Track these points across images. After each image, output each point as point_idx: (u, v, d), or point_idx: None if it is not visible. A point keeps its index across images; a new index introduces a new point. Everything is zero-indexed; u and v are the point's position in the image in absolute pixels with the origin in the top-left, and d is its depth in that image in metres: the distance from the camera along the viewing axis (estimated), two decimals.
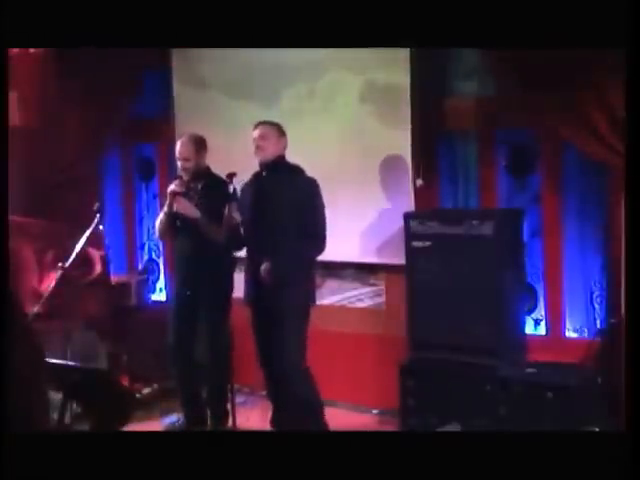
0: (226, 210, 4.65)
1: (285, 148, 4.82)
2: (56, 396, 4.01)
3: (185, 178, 5.06)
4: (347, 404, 5.43)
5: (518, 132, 5.10)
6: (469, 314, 4.75)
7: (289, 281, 4.65)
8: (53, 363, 4.15)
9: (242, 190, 4.86)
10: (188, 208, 4.95)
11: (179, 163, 5.08)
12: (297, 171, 4.79)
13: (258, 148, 4.76)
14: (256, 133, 4.78)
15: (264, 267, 4.62)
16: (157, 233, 5.33)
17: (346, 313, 5.47)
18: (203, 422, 5.19)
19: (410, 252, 4.98)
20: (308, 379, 4.75)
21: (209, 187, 5.04)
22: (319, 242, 4.70)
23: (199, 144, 5.09)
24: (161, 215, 5.14)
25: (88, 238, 5.21)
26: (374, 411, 5.50)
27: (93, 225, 5.21)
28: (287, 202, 4.66)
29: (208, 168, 5.13)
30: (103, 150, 6.71)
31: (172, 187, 4.99)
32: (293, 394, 4.75)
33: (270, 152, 4.74)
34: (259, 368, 4.94)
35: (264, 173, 4.79)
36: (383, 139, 5.33)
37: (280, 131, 4.81)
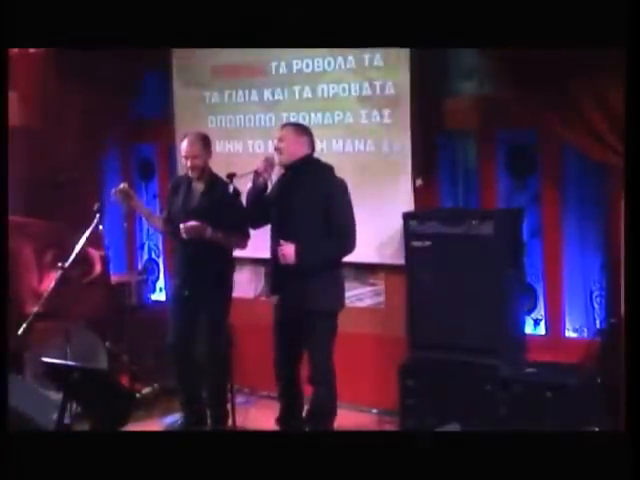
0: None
1: (309, 146, 4.72)
2: (56, 396, 4.02)
3: (193, 176, 5.05)
4: (347, 404, 5.42)
5: (518, 132, 5.11)
6: (469, 314, 4.76)
7: (319, 284, 4.59)
8: (53, 363, 4.16)
9: (271, 190, 4.78)
10: (197, 230, 4.92)
11: (187, 162, 5.02)
12: (324, 170, 4.72)
13: (276, 151, 4.71)
14: (276, 136, 4.76)
15: (287, 246, 4.52)
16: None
17: (346, 313, 5.44)
18: (203, 422, 5.19)
19: (410, 252, 4.98)
20: (334, 386, 4.75)
21: (210, 188, 5.03)
22: (346, 242, 4.63)
23: (206, 141, 5.09)
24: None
25: (88, 238, 5.21)
26: (374, 411, 5.50)
27: (93, 225, 5.21)
28: (312, 202, 4.58)
29: (210, 169, 5.12)
30: (103, 150, 6.71)
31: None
32: (317, 398, 4.73)
33: (288, 153, 4.65)
34: (271, 367, 4.89)
35: (288, 173, 4.71)
36: (383, 139, 5.34)
37: (299, 131, 4.73)
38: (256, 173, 4.68)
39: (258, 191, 4.71)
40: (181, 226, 4.93)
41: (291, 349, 4.79)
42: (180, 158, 5.23)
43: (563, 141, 4.84)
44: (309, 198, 4.59)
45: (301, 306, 4.62)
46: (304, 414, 4.88)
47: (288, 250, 4.53)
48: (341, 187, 4.67)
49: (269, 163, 4.72)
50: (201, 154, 5.02)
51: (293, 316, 4.70)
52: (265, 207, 4.74)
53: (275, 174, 4.82)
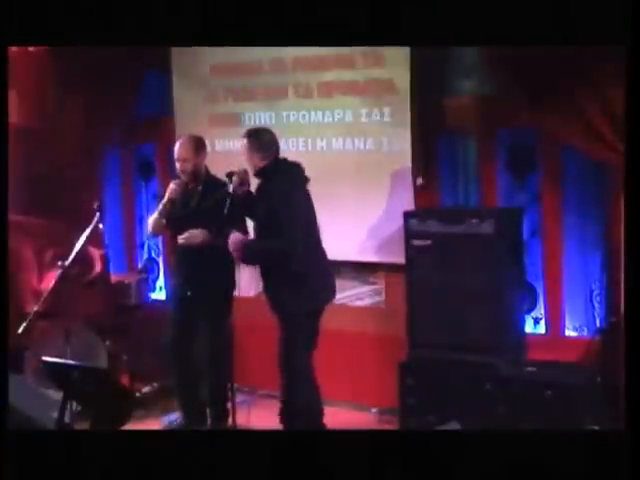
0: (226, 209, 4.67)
1: (274, 150, 4.79)
2: (56, 396, 4.02)
3: (184, 179, 5.06)
4: (346, 403, 5.43)
5: (518, 132, 5.11)
6: (469, 313, 4.76)
7: (282, 286, 4.69)
8: (53, 363, 4.16)
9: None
10: (195, 237, 4.94)
11: (178, 164, 5.06)
12: (288, 169, 4.76)
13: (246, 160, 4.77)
14: (243, 143, 4.78)
15: (235, 235, 4.63)
16: (150, 230, 5.31)
17: (346, 312, 5.47)
18: (203, 421, 5.19)
19: (410, 251, 4.98)
20: (309, 385, 4.78)
21: (209, 189, 5.03)
22: (285, 240, 4.56)
23: (198, 145, 5.08)
24: (155, 214, 5.15)
25: (88, 237, 5.21)
26: (373, 410, 5.50)
27: (93, 224, 5.21)
28: (272, 205, 4.64)
29: (207, 169, 5.12)
30: (103, 150, 6.70)
31: (171, 188, 5.00)
32: (295, 397, 4.79)
33: (253, 164, 4.74)
34: (272, 366, 4.91)
35: (259, 179, 4.78)
36: (383, 138, 5.34)
37: (258, 139, 4.77)
38: (240, 185, 4.74)
39: (238, 202, 4.75)
40: (179, 238, 4.96)
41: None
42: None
43: (563, 141, 4.84)
44: (271, 202, 4.63)
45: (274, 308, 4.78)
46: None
47: (234, 238, 4.62)
48: (295, 184, 4.70)
49: (246, 175, 4.79)
50: (191, 157, 5.03)
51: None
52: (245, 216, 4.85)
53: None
